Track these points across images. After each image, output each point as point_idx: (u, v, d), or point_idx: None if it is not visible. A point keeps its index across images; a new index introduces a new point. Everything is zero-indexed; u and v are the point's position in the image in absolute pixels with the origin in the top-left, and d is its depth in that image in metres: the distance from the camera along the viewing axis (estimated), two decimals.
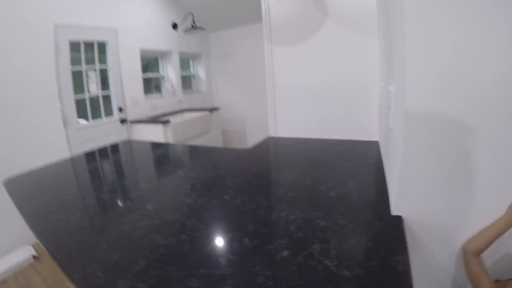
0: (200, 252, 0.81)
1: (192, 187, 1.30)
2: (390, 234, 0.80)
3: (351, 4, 1.65)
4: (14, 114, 2.70)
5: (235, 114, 5.36)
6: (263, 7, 1.89)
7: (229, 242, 0.83)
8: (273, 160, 1.62)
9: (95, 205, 1.22)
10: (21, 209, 1.23)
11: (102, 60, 3.59)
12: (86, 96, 3.42)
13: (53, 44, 2.98)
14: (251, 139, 5.30)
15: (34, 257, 2.72)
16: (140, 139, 3.76)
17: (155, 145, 2.25)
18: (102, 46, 3.57)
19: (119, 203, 1.24)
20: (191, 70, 5.37)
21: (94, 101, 3.55)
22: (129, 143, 2.40)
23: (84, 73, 3.38)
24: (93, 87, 3.49)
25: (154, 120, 3.76)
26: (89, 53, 3.43)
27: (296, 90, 1.93)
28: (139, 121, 3.84)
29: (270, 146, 1.89)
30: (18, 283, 2.41)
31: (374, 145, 1.59)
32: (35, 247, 2.83)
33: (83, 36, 3.31)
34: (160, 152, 2.05)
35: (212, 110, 4.42)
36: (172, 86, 4.56)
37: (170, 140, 3.62)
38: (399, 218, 0.86)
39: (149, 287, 0.70)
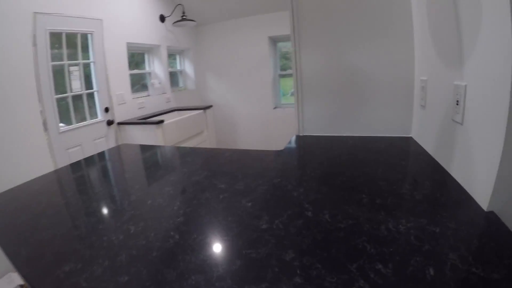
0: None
1: (260, 199, 1.04)
2: (497, 230, 0.74)
3: None
4: None
5: (226, 113, 5.12)
6: None
7: (364, 274, 0.62)
8: (327, 162, 1.39)
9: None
10: (9, 253, 0.87)
11: (86, 56, 3.27)
12: (69, 95, 3.05)
13: (31, 36, 2.61)
14: (244, 139, 5.10)
15: (21, 286, 2.27)
16: (130, 142, 3.49)
17: (143, 150, 1.93)
18: (86, 41, 3.25)
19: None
20: (178, 66, 5.08)
21: (77, 101, 3.20)
22: (115, 150, 2.12)
23: (66, 69, 3.02)
24: (76, 84, 3.14)
25: (144, 121, 3.47)
26: (71, 48, 3.10)
27: (325, 85, 1.77)
28: (128, 123, 3.53)
29: (306, 146, 1.71)
30: None
31: (411, 141, 1.53)
32: None
33: (65, 26, 2.94)
34: (147, 162, 1.73)
35: (205, 108, 4.18)
36: (160, 83, 4.28)
37: (163, 142, 3.35)
38: (493, 214, 0.80)
39: None
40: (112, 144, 3.49)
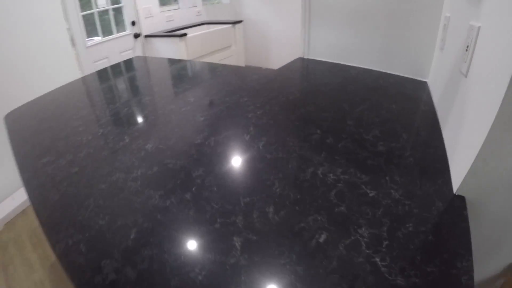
0: (207, 224, 0.59)
1: (204, 119, 1.06)
2: (454, 224, 0.57)
3: None
4: (17, 38, 2.33)
5: (258, 28, 4.86)
6: None
7: (248, 212, 0.61)
8: (305, 89, 1.33)
9: (90, 142, 1.01)
10: (15, 151, 1.06)
11: None
12: (95, 11, 3.06)
13: None
14: (276, 58, 4.89)
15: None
16: (155, 55, 3.50)
17: (170, 62, 2.00)
18: None
19: (117, 139, 1.01)
20: None
21: (105, 17, 3.21)
22: (140, 59, 2.13)
23: None
24: (102, 1, 3.12)
25: (170, 33, 3.41)
26: None
27: (337, 6, 1.56)
28: (154, 35, 3.51)
29: (301, 70, 1.61)
30: (28, 220, 2.22)
31: (423, 87, 1.26)
32: None
33: None
34: (172, 72, 1.79)
35: (234, 23, 3.99)
36: None
37: (188, 55, 3.34)
38: (462, 200, 0.62)
39: (139, 276, 0.51)
40: (138, 55, 3.52)
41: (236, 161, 0.80)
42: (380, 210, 0.60)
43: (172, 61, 2.02)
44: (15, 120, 1.31)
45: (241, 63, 4.24)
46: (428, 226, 0.56)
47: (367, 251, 0.51)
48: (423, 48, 1.35)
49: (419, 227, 0.55)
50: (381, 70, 1.48)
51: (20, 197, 2.35)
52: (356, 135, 0.88)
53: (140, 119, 1.17)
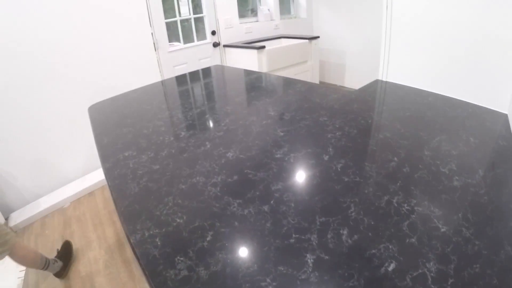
0: (282, 237, 0.64)
1: (284, 134, 1.11)
2: None
3: None
4: (106, 39, 2.66)
5: (334, 45, 4.85)
6: None
7: (323, 231, 0.65)
8: (384, 114, 1.33)
9: (172, 142, 1.12)
10: (97, 140, 1.20)
11: None
12: (178, 19, 3.32)
13: None
14: (350, 74, 4.84)
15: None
16: (233, 64, 3.66)
17: (247, 74, 2.09)
18: None
19: (198, 143, 1.10)
20: None
21: (186, 24, 3.45)
22: (219, 68, 2.27)
23: None
24: (185, 10, 3.37)
25: (248, 45, 3.55)
26: None
27: (419, 30, 1.53)
28: (232, 46, 3.67)
29: (379, 92, 1.59)
30: (103, 195, 2.55)
31: (502, 119, 1.18)
32: None
33: None
34: (252, 84, 1.88)
35: (311, 39, 4.04)
36: (269, 10, 4.22)
37: (264, 67, 3.43)
38: None
39: (211, 277, 0.57)
40: (216, 64, 3.71)
41: (315, 180, 0.83)
42: (450, 246, 0.59)
43: (250, 73, 2.12)
44: (98, 112, 1.48)
45: (315, 78, 4.25)
46: (494, 269, 0.54)
47: (433, 286, 0.52)
48: (504, 79, 1.28)
49: (486, 269, 0.54)
50: (460, 98, 1.41)
51: (89, 180, 2.68)
52: (433, 167, 0.86)
53: (221, 127, 1.25)
